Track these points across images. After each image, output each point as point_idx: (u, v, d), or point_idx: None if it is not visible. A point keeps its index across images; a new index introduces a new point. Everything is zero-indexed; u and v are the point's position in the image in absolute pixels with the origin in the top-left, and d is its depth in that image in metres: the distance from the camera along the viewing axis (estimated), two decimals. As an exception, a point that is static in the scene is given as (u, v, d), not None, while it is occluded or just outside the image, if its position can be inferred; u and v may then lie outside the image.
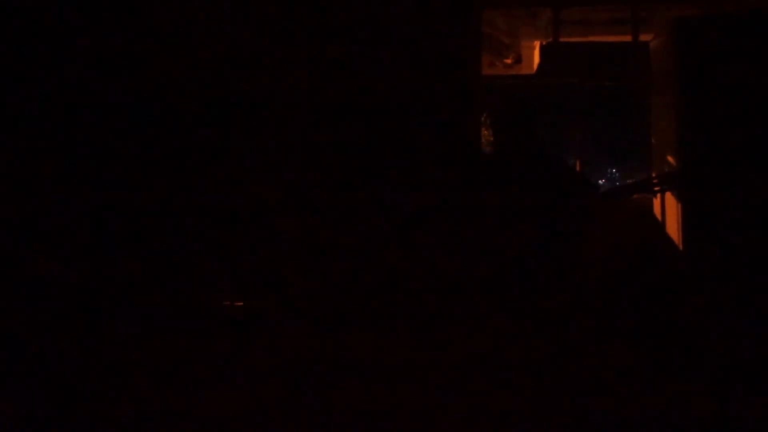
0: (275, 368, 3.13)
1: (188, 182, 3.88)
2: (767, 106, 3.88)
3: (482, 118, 3.99)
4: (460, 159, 3.82)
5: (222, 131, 3.90)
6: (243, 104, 3.91)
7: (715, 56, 3.93)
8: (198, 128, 3.90)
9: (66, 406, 2.85)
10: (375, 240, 3.80)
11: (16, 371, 3.17)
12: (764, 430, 2.64)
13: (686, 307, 3.36)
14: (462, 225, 3.74)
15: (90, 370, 3.17)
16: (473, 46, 4.01)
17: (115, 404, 2.85)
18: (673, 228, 4.16)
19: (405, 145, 3.86)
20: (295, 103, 3.90)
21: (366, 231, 3.80)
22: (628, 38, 4.52)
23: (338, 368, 3.12)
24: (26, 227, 3.86)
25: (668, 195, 4.33)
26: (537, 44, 5.09)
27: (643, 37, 4.61)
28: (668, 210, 4.34)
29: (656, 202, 4.50)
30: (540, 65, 5.07)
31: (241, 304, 3.81)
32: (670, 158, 4.29)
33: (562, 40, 4.51)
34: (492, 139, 3.75)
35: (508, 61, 5.24)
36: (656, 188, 4.37)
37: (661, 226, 4.21)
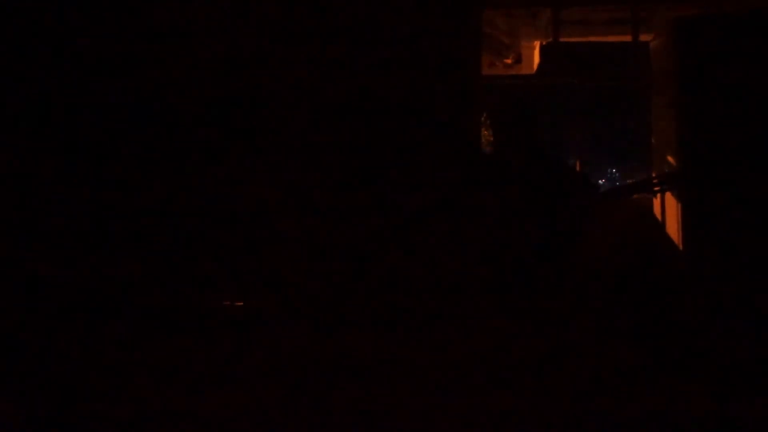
0: (275, 368, 3.12)
1: (188, 182, 3.88)
2: (767, 106, 3.88)
3: (482, 118, 3.99)
4: (460, 159, 3.83)
5: (222, 131, 3.90)
6: (243, 104, 3.91)
7: (715, 56, 3.94)
8: (198, 128, 3.90)
9: (66, 406, 2.85)
10: (375, 240, 3.80)
11: (16, 371, 3.17)
12: (764, 430, 2.64)
13: (686, 307, 3.36)
14: (462, 225, 3.74)
15: (90, 370, 3.17)
16: (473, 46, 4.01)
17: (115, 404, 2.85)
18: (673, 228, 4.16)
19: (405, 145, 3.86)
20: (295, 103, 3.90)
21: (366, 231, 3.80)
22: (628, 38, 4.53)
23: (338, 368, 3.11)
24: (26, 227, 3.86)
25: (668, 195, 4.34)
26: (537, 44, 5.09)
27: (643, 37, 4.61)
28: (668, 210, 4.35)
29: (656, 202, 4.50)
30: (540, 65, 5.07)
31: (241, 304, 3.81)
32: (670, 158, 4.29)
33: (562, 40, 4.52)
34: (492, 139, 3.74)
35: (508, 61, 5.24)
36: (656, 188, 4.37)
37: (661, 226, 4.21)
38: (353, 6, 3.91)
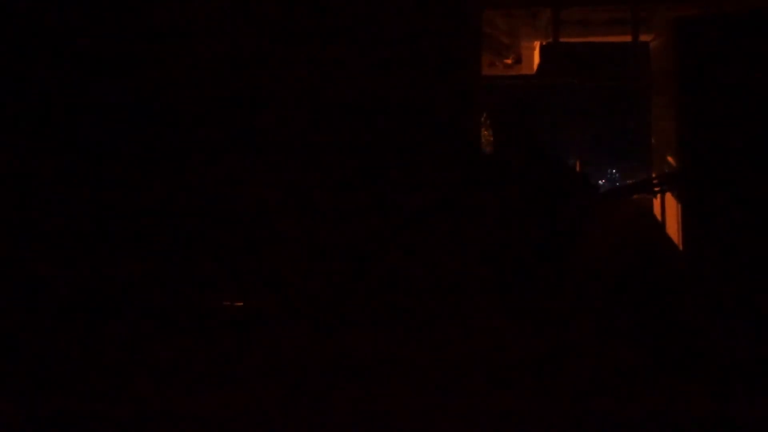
0: (275, 368, 3.13)
1: (188, 182, 3.88)
2: (767, 106, 3.88)
3: (482, 118, 4.00)
4: (460, 159, 3.83)
5: (222, 131, 3.90)
6: (243, 104, 3.91)
7: (715, 56, 3.94)
8: (198, 128, 3.90)
9: (66, 406, 2.85)
10: (375, 240, 3.80)
11: (16, 371, 3.17)
12: (764, 430, 2.64)
13: (686, 307, 3.36)
14: (462, 225, 3.74)
15: (90, 370, 3.17)
16: (473, 46, 4.02)
17: (115, 404, 2.85)
18: (673, 228, 4.16)
19: (405, 145, 3.86)
20: (295, 103, 3.91)
21: (366, 231, 3.81)
22: (628, 38, 4.53)
23: (338, 368, 3.12)
24: (26, 227, 3.86)
25: (668, 195, 4.34)
26: (537, 44, 5.09)
27: (643, 37, 4.62)
28: (668, 210, 4.35)
29: (656, 202, 4.50)
30: (540, 65, 5.07)
31: (241, 304, 3.81)
32: (670, 158, 4.29)
33: (562, 40, 4.52)
34: (492, 139, 3.75)
35: (508, 61, 5.24)
36: (656, 188, 4.38)
37: (661, 226, 4.21)
38: (353, 6, 3.91)
